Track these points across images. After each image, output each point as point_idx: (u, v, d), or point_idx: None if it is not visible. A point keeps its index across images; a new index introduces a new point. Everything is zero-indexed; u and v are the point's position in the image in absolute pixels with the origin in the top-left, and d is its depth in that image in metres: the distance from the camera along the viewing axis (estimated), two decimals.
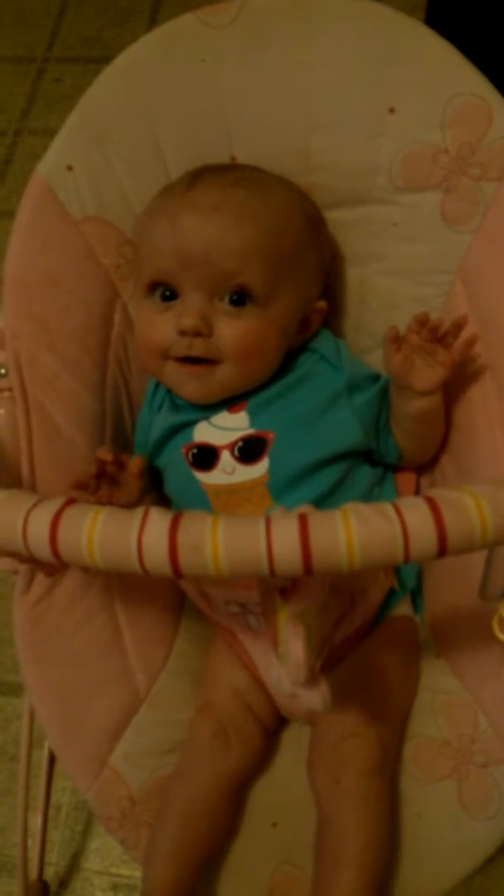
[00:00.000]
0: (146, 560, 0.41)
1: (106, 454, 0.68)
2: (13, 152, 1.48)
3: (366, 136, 0.75)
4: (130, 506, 0.74)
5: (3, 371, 0.72)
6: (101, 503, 0.63)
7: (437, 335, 0.70)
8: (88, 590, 0.72)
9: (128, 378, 0.81)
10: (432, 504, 0.40)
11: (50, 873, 0.97)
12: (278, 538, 0.40)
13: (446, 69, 0.71)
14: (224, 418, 0.75)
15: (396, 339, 0.71)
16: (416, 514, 0.40)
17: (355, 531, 0.39)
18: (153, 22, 1.55)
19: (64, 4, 1.62)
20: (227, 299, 0.71)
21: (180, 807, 0.68)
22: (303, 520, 0.40)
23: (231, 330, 0.70)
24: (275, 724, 0.75)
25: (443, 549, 0.39)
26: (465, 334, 0.71)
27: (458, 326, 0.70)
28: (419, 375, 0.71)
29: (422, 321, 0.70)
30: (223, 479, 0.73)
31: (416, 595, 0.78)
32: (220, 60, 0.75)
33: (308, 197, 0.78)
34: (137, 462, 0.70)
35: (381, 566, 0.40)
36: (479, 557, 0.53)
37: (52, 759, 0.89)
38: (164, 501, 0.79)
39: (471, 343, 0.71)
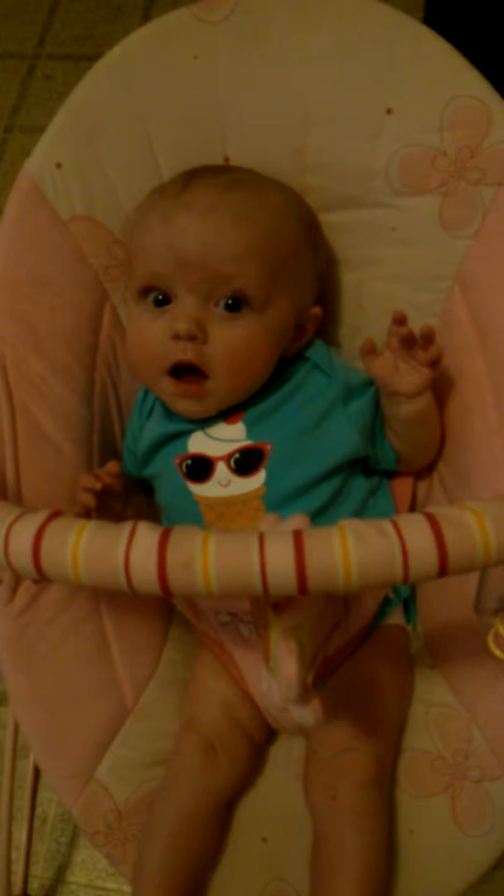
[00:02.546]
0: (133, 577, 0.39)
1: (93, 482, 0.68)
2: (3, 150, 1.47)
3: (363, 137, 0.73)
4: (116, 513, 0.73)
5: None
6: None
7: (410, 346, 0.68)
8: (74, 598, 0.71)
9: (116, 382, 0.80)
10: (433, 521, 0.38)
11: (34, 886, 0.95)
12: (272, 557, 0.38)
13: (446, 71, 0.70)
14: (221, 429, 0.73)
15: (373, 351, 0.70)
16: (416, 532, 0.38)
17: (352, 550, 0.38)
18: (146, 19, 1.53)
19: (56, 0, 1.61)
20: (222, 304, 0.69)
21: (167, 825, 0.66)
22: (298, 538, 0.38)
23: (225, 338, 0.69)
24: (263, 738, 0.74)
25: (443, 569, 0.38)
26: (459, 341, 0.69)
27: (428, 338, 0.68)
28: (404, 379, 0.70)
29: (398, 320, 0.68)
30: (218, 492, 0.71)
31: (408, 603, 0.77)
32: (214, 57, 0.74)
33: (303, 200, 0.76)
34: (113, 469, 0.69)
35: (380, 586, 0.38)
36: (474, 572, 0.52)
37: (37, 770, 0.87)
38: (148, 507, 0.78)
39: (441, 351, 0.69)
